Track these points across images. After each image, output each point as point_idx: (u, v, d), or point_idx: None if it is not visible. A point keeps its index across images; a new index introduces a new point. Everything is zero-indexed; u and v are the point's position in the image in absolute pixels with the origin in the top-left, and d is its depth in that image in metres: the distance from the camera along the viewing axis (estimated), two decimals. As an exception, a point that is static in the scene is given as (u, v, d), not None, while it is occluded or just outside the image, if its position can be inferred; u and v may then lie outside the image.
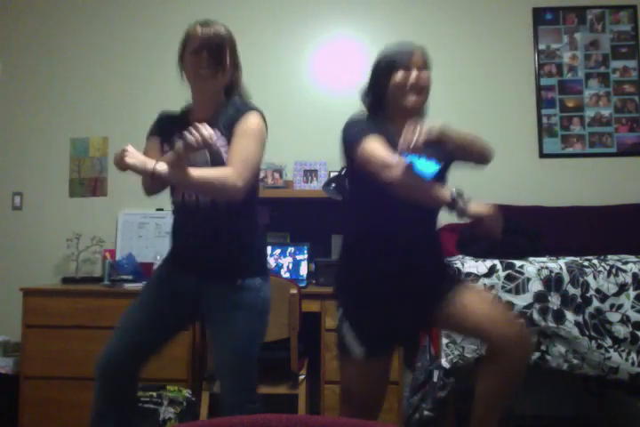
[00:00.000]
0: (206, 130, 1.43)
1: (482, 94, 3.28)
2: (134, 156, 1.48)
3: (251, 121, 1.62)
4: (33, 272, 3.25)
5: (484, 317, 1.62)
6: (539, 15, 3.30)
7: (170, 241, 1.83)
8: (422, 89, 1.65)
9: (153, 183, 1.64)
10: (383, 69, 1.67)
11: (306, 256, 2.94)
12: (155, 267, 3.02)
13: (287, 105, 3.32)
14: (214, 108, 1.66)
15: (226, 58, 1.63)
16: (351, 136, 1.63)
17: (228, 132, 1.60)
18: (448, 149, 1.53)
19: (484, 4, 3.32)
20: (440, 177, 1.61)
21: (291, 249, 2.97)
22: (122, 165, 1.47)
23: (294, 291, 2.31)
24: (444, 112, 3.18)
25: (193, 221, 1.66)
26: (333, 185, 2.91)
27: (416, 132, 1.40)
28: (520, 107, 3.26)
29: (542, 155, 3.23)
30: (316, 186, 3.08)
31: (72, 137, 3.38)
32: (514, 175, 3.19)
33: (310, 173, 3.15)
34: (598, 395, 2.71)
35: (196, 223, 1.65)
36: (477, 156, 1.69)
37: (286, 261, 2.95)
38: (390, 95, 1.67)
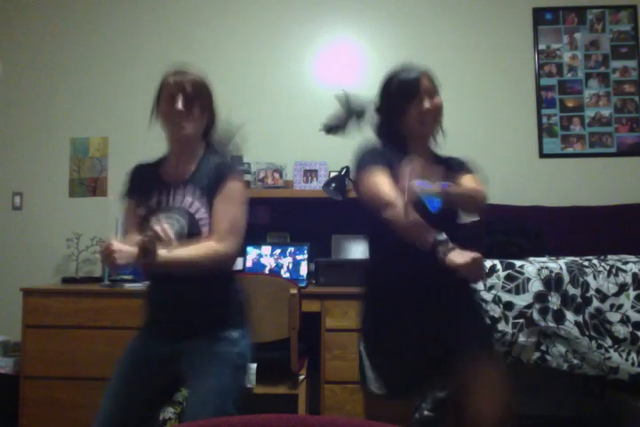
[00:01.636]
0: (164, 231, 1.38)
1: (482, 94, 3.28)
2: (123, 254, 1.39)
3: (233, 185, 1.59)
4: (33, 272, 3.25)
5: (480, 418, 1.61)
6: (539, 15, 3.30)
7: (144, 306, 1.69)
8: (437, 115, 1.65)
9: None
10: (394, 102, 1.65)
11: (306, 256, 2.94)
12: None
13: (287, 105, 3.32)
14: (191, 165, 1.63)
15: (200, 103, 1.61)
16: (358, 166, 1.63)
17: (208, 197, 1.58)
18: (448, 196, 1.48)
19: (484, 4, 3.32)
20: (445, 214, 1.54)
21: (291, 249, 2.97)
22: (113, 265, 1.40)
23: (294, 291, 2.31)
24: (444, 113, 3.18)
25: (171, 284, 1.58)
26: (333, 185, 2.92)
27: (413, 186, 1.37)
28: (520, 107, 3.26)
29: (542, 155, 3.24)
30: (316, 186, 3.08)
31: (72, 137, 3.39)
32: (514, 175, 3.19)
33: (310, 173, 3.15)
34: (598, 395, 2.71)
35: (173, 285, 1.58)
36: (470, 208, 1.62)
37: (286, 261, 2.95)
38: (405, 126, 1.65)
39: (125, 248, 1.39)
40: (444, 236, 1.42)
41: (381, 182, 1.52)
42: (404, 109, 1.63)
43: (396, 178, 1.49)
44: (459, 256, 1.38)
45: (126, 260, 1.39)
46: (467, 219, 1.68)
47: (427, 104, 1.61)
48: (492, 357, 1.67)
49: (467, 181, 1.61)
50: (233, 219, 1.56)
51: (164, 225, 1.39)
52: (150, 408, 1.64)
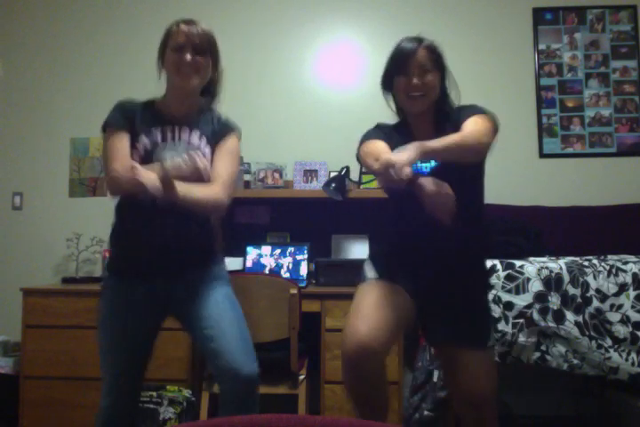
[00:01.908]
0: (202, 162, 1.47)
1: (482, 94, 3.27)
2: (146, 175, 1.42)
3: (234, 142, 1.70)
4: (33, 272, 3.25)
5: (467, 390, 1.64)
6: (539, 15, 3.30)
7: (115, 246, 1.71)
8: (425, 93, 1.61)
9: (129, 191, 1.56)
10: (386, 73, 1.68)
11: (306, 256, 2.94)
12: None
13: (287, 105, 3.32)
14: (193, 109, 1.69)
15: (209, 56, 1.65)
16: (360, 141, 1.68)
17: (211, 142, 1.67)
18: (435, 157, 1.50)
19: (484, 4, 3.32)
20: (445, 171, 1.53)
21: (291, 249, 2.97)
22: (132, 185, 1.42)
23: (294, 291, 2.31)
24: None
25: (163, 220, 1.61)
26: (333, 185, 2.91)
27: (396, 173, 1.36)
28: (520, 107, 3.26)
29: (542, 155, 3.24)
30: (316, 186, 3.08)
31: (72, 137, 3.39)
32: (514, 175, 3.19)
33: (310, 173, 3.15)
34: (598, 395, 2.71)
35: (167, 222, 1.61)
36: (471, 155, 1.55)
37: (286, 261, 2.95)
38: (397, 99, 1.69)
39: (153, 179, 1.42)
40: (420, 167, 1.43)
41: (374, 145, 1.56)
42: (391, 82, 1.65)
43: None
44: (430, 183, 1.38)
45: (149, 182, 1.40)
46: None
47: (414, 80, 1.59)
48: (487, 346, 1.70)
49: (465, 126, 1.54)
50: (232, 172, 1.65)
51: (202, 158, 1.45)
52: (148, 351, 1.72)
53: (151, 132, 1.63)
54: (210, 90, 1.75)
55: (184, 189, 1.49)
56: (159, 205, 1.50)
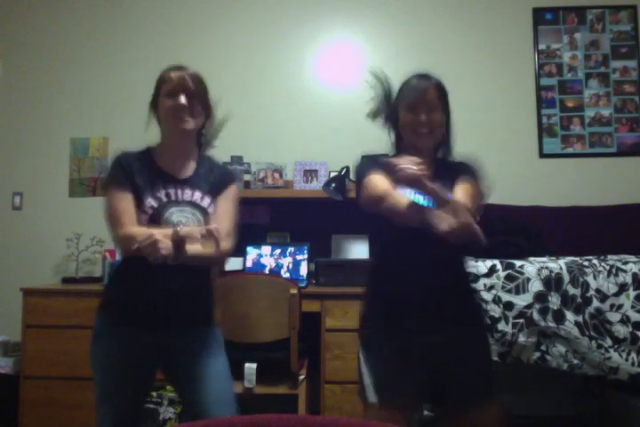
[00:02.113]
0: (217, 232, 1.44)
1: (482, 94, 3.28)
2: (166, 244, 1.41)
3: (234, 191, 1.72)
4: (33, 272, 3.25)
5: None
6: (539, 15, 3.30)
7: (113, 298, 1.70)
8: (432, 130, 1.62)
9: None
10: (392, 107, 1.67)
11: (306, 256, 2.94)
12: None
13: (287, 105, 3.32)
14: (191, 162, 1.68)
15: (202, 99, 1.65)
16: (358, 172, 1.67)
17: (214, 191, 1.67)
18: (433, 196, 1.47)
19: (484, 4, 3.32)
20: None
21: (291, 249, 2.97)
22: (155, 257, 1.40)
23: (294, 291, 2.31)
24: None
25: (167, 274, 1.57)
26: (333, 185, 2.92)
27: (414, 166, 1.38)
28: (520, 107, 3.26)
29: (542, 155, 3.24)
30: (316, 186, 3.08)
31: (72, 137, 3.39)
32: (514, 175, 3.19)
33: (310, 173, 3.15)
34: (598, 395, 2.71)
35: (171, 277, 1.59)
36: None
37: (286, 261, 2.95)
38: (402, 133, 1.67)
39: (166, 240, 1.42)
40: (431, 205, 1.41)
41: (377, 180, 1.54)
42: (398, 116, 1.65)
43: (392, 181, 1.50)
44: (444, 221, 1.36)
45: (168, 251, 1.41)
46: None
47: (422, 116, 1.61)
48: (491, 400, 1.60)
49: (458, 191, 1.56)
50: (232, 220, 1.67)
51: (214, 226, 1.45)
52: (145, 396, 1.75)
53: (156, 194, 1.61)
54: (203, 135, 1.75)
55: (191, 248, 1.49)
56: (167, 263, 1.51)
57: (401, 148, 1.70)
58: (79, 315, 2.67)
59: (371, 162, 1.65)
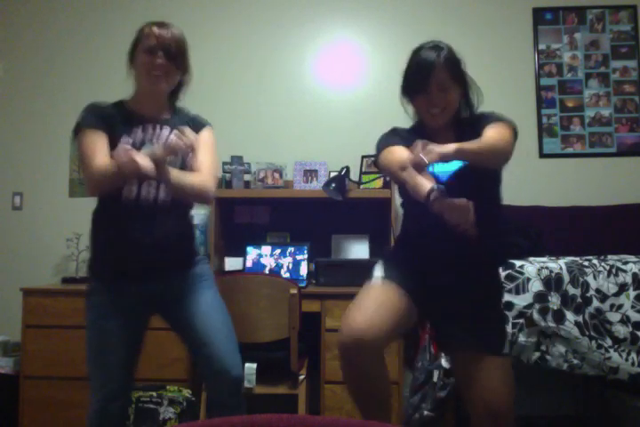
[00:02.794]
0: (193, 135, 1.53)
1: (482, 94, 3.28)
2: (145, 159, 1.45)
3: (209, 134, 1.76)
4: (33, 272, 3.25)
5: (484, 402, 1.62)
6: (539, 15, 3.30)
7: (97, 250, 1.75)
8: (445, 109, 1.63)
9: (121, 182, 1.60)
10: (404, 88, 1.69)
11: (306, 256, 2.94)
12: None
13: (287, 105, 3.32)
14: (164, 110, 1.72)
15: (180, 60, 1.68)
16: (377, 146, 1.69)
17: None
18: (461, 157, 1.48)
19: (484, 4, 3.32)
20: (466, 176, 1.50)
21: (291, 249, 2.97)
22: (137, 172, 1.44)
23: (294, 291, 2.31)
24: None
25: (147, 220, 1.63)
26: (333, 185, 2.91)
27: (423, 154, 1.40)
28: (520, 107, 3.26)
29: (542, 155, 3.23)
30: (316, 186, 3.08)
31: (72, 137, 3.38)
32: (514, 175, 3.18)
33: (310, 173, 3.15)
34: (598, 395, 2.71)
35: (151, 222, 1.63)
36: (491, 163, 1.60)
37: (286, 261, 2.95)
38: (416, 113, 1.70)
39: (142, 155, 1.46)
40: (437, 185, 1.41)
41: (395, 151, 1.56)
42: (412, 98, 1.67)
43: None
44: (445, 201, 1.38)
45: (151, 167, 1.45)
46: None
47: (434, 98, 1.61)
48: (499, 353, 1.68)
49: (486, 133, 1.55)
50: (212, 164, 1.70)
51: (186, 132, 1.51)
52: (137, 351, 1.73)
53: (132, 132, 1.64)
54: (177, 92, 1.78)
55: (175, 173, 1.56)
56: (142, 203, 1.59)
57: (420, 121, 1.72)
58: (79, 315, 2.65)
59: (391, 134, 1.69)
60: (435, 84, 1.61)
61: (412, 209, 1.73)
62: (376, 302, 1.54)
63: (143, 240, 1.62)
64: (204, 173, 1.65)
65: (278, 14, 3.38)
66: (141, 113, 1.69)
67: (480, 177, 1.57)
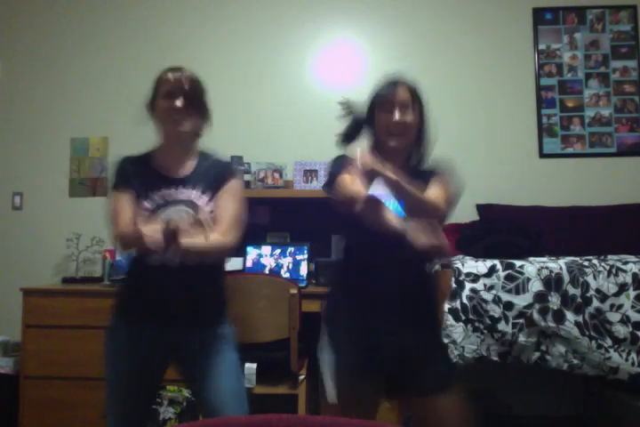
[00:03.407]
0: (204, 214, 1.50)
1: (482, 94, 3.28)
2: (153, 239, 1.44)
3: (234, 184, 1.70)
4: (33, 272, 3.25)
5: None
6: (539, 15, 3.30)
7: (126, 298, 1.72)
8: (404, 129, 1.63)
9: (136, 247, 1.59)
10: (369, 108, 1.70)
11: (306, 256, 2.94)
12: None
13: (287, 105, 3.32)
14: (189, 162, 1.69)
15: (199, 102, 1.66)
16: (331, 170, 1.68)
17: (212, 189, 1.66)
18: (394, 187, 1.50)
19: (484, 4, 3.32)
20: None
21: (291, 249, 2.97)
22: (144, 249, 1.45)
23: (294, 291, 2.31)
24: (444, 112, 3.19)
25: (176, 274, 1.62)
26: (333, 185, 2.91)
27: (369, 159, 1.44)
28: (520, 107, 3.26)
29: (542, 155, 3.23)
30: (316, 186, 3.08)
31: (72, 137, 3.39)
32: (514, 175, 3.19)
33: (310, 173, 3.15)
34: (598, 395, 2.71)
35: (180, 276, 1.62)
36: (415, 212, 1.55)
37: (286, 261, 2.95)
38: (377, 135, 1.68)
39: (155, 233, 1.44)
40: (407, 219, 1.44)
41: (348, 181, 1.55)
42: (373, 118, 1.67)
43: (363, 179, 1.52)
44: (420, 236, 1.40)
45: (155, 245, 1.43)
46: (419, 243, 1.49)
47: (395, 116, 1.61)
48: (451, 389, 1.62)
49: (432, 189, 1.60)
50: (235, 214, 1.65)
51: (203, 215, 1.48)
52: (153, 395, 1.76)
53: (151, 197, 1.63)
54: (200, 135, 1.75)
55: (187, 241, 1.49)
56: (169, 262, 1.57)
57: (376, 151, 1.68)
58: (79, 315, 2.67)
59: (342, 161, 1.66)
60: (397, 102, 1.63)
61: (355, 238, 1.71)
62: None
63: (171, 290, 1.63)
64: (223, 225, 1.60)
65: (278, 14, 3.38)
66: (166, 169, 1.67)
67: None
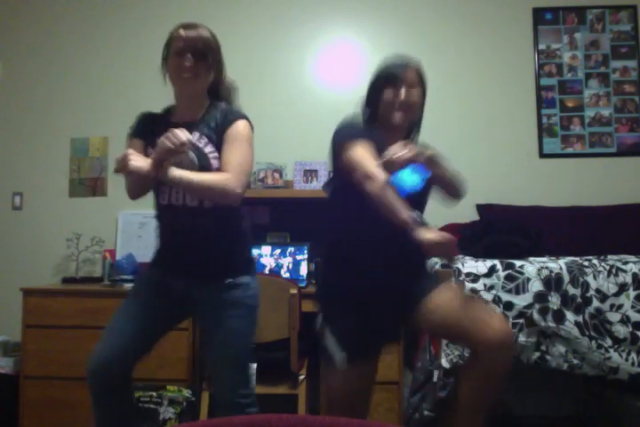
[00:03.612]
0: (184, 135, 1.49)
1: (482, 94, 3.28)
2: (138, 159, 1.50)
3: (241, 128, 1.65)
4: (33, 272, 3.25)
5: (463, 316, 1.62)
6: (539, 15, 3.30)
7: (156, 245, 1.79)
8: (410, 107, 1.69)
9: (141, 186, 1.66)
10: (375, 84, 1.73)
11: (306, 256, 2.94)
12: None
13: (287, 105, 3.32)
14: (199, 111, 1.69)
15: (209, 60, 1.66)
16: (342, 138, 1.66)
17: (216, 137, 1.64)
18: (432, 175, 1.59)
19: (484, 4, 3.32)
20: (420, 195, 1.64)
21: (291, 249, 2.97)
22: (126, 169, 1.49)
23: (294, 291, 2.31)
24: (444, 112, 3.20)
25: (179, 224, 1.66)
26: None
27: (406, 149, 1.49)
28: (520, 107, 3.26)
29: (542, 155, 3.24)
30: (316, 186, 3.08)
31: (72, 137, 3.38)
32: (514, 175, 3.19)
33: (310, 173, 3.15)
34: (598, 395, 2.71)
35: (182, 226, 1.66)
36: (452, 190, 1.78)
37: (286, 261, 2.95)
38: (381, 110, 1.71)
39: (141, 156, 1.51)
40: (418, 213, 1.46)
41: (365, 156, 1.56)
42: (381, 92, 1.69)
43: (377, 153, 1.56)
44: (430, 232, 1.41)
45: (139, 165, 1.48)
46: (449, 202, 1.82)
47: (402, 94, 1.66)
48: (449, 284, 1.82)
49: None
50: (241, 158, 1.62)
51: (176, 130, 1.48)
52: (153, 336, 1.73)
53: (155, 142, 1.64)
54: (216, 91, 1.75)
55: (190, 175, 1.54)
56: (175, 208, 1.61)
57: (375, 126, 1.73)
58: (79, 315, 2.67)
59: (353, 129, 1.69)
60: (406, 79, 1.68)
61: (358, 213, 1.70)
62: (353, 399, 1.69)
63: (182, 241, 1.67)
64: (227, 170, 1.58)
65: (278, 14, 3.38)
66: (178, 118, 1.70)
67: (427, 194, 1.74)
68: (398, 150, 1.49)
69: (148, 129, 1.70)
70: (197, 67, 1.63)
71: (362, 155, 1.56)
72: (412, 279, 1.72)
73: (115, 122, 3.35)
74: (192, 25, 1.68)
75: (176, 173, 1.53)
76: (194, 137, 1.61)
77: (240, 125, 1.64)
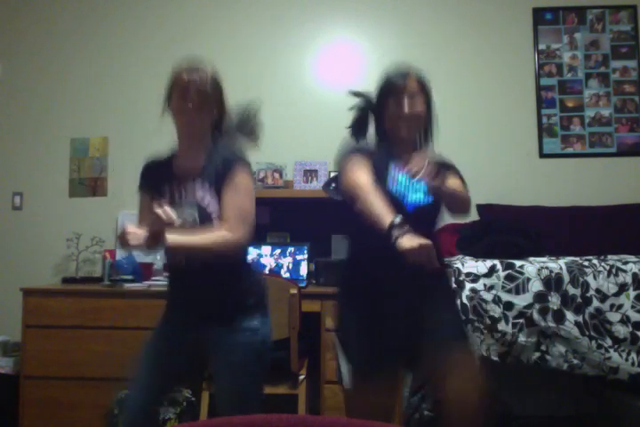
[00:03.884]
0: (167, 214, 1.44)
1: (482, 94, 3.28)
2: (135, 235, 1.46)
3: (241, 175, 1.63)
4: (33, 272, 3.25)
5: (454, 395, 1.60)
6: (539, 15, 3.30)
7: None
8: (415, 117, 1.67)
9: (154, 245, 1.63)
10: (378, 98, 1.72)
11: (306, 256, 2.94)
12: (154, 268, 3.03)
13: (287, 105, 3.32)
14: (200, 155, 1.68)
15: (212, 102, 1.67)
16: (341, 155, 1.71)
17: (216, 185, 1.63)
18: (432, 189, 1.56)
19: (484, 4, 3.32)
20: (431, 207, 1.65)
21: (291, 249, 2.97)
22: (128, 245, 1.48)
23: (294, 291, 2.31)
24: (444, 112, 3.18)
25: (185, 279, 1.66)
26: (333, 185, 2.91)
27: (424, 165, 1.50)
28: (520, 107, 3.26)
29: (542, 155, 3.24)
30: (316, 186, 3.08)
31: (72, 137, 3.38)
32: (514, 175, 3.19)
33: (310, 173, 3.15)
34: (598, 395, 2.71)
35: (188, 281, 1.66)
36: (453, 205, 1.70)
37: (286, 261, 2.95)
38: (387, 124, 1.71)
39: (139, 231, 1.47)
40: (399, 218, 1.43)
41: (357, 172, 1.58)
42: (383, 105, 1.69)
43: (375, 172, 1.56)
44: (407, 241, 1.39)
45: (138, 241, 1.46)
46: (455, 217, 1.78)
47: (405, 108, 1.64)
48: (465, 343, 1.69)
49: (452, 181, 1.64)
50: (240, 208, 1.59)
51: (165, 207, 1.45)
52: (177, 381, 1.78)
53: (162, 194, 1.65)
54: (219, 125, 1.76)
55: (189, 240, 1.50)
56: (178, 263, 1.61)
57: (384, 140, 1.74)
58: (79, 315, 2.67)
59: (354, 148, 1.70)
60: (409, 88, 1.66)
61: (360, 238, 1.72)
62: (366, 411, 1.62)
63: (186, 291, 1.68)
64: (228, 221, 1.56)
65: (278, 14, 3.38)
66: (177, 166, 1.69)
67: (436, 211, 1.71)
68: (416, 166, 1.50)
69: (153, 182, 1.69)
70: (200, 109, 1.63)
71: (355, 173, 1.58)
72: (424, 293, 1.67)
73: (115, 122, 3.36)
74: (195, 68, 1.67)
75: (175, 241, 1.48)
76: (198, 186, 1.62)
77: (238, 174, 1.63)
